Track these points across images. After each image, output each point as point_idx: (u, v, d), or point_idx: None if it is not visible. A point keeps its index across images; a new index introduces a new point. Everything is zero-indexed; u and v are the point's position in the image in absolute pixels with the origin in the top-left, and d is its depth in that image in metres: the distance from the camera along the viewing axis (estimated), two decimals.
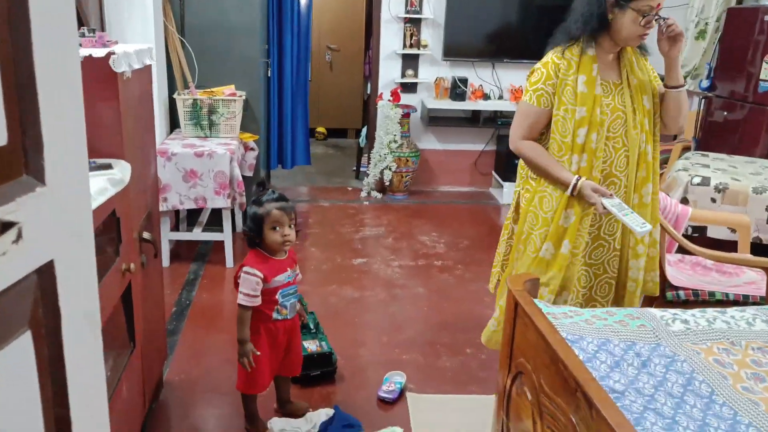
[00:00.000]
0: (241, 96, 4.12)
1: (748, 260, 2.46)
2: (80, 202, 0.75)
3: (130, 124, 2.10)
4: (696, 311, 2.00)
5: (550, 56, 2.25)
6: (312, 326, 2.89)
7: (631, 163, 2.20)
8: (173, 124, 4.29)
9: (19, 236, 0.59)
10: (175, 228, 4.18)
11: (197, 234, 4.01)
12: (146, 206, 2.34)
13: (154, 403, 2.49)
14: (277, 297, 2.25)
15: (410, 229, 4.78)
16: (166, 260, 3.78)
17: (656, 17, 2.11)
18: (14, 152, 0.63)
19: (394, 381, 2.68)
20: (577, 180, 2.15)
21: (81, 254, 0.75)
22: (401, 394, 2.65)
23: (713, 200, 3.06)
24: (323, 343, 2.80)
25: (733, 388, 1.58)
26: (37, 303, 0.67)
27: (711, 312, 2.00)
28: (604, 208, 2.11)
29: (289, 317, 2.31)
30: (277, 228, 2.21)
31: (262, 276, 2.19)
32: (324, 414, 2.45)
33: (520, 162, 2.38)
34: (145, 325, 2.24)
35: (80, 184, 0.75)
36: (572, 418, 1.46)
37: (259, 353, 2.23)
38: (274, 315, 2.26)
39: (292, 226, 2.25)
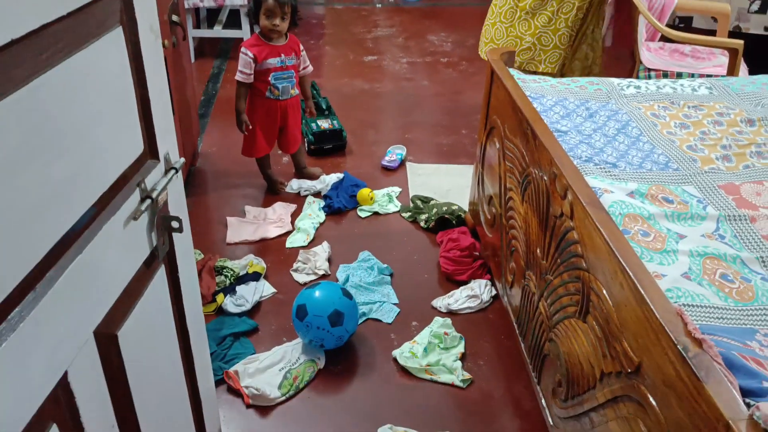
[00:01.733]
0: None
1: (712, 41, 2.71)
2: None
3: None
4: (652, 81, 2.31)
5: None
6: (324, 107, 3.27)
7: None
8: None
9: None
10: (197, 27, 4.43)
11: (218, 31, 4.27)
12: None
13: (192, 167, 2.95)
14: (269, 78, 2.58)
15: (420, 29, 4.96)
16: (191, 56, 4.08)
17: None
18: None
19: (395, 153, 3.10)
20: None
21: None
22: (402, 163, 3.08)
23: None
24: (335, 122, 3.19)
25: (660, 132, 1.94)
26: (123, 9, 1.02)
27: (665, 81, 2.31)
28: None
29: (281, 98, 2.64)
30: (270, 17, 2.48)
31: (252, 56, 2.52)
32: (335, 177, 2.91)
33: None
34: (179, 103, 2.62)
35: None
36: (523, 151, 1.86)
37: (251, 126, 2.62)
38: (267, 94, 2.61)
39: (285, 18, 2.52)
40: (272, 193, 2.83)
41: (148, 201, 1.09)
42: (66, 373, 0.92)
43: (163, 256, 1.20)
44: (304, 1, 5.56)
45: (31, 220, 0.82)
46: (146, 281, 1.15)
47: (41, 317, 0.84)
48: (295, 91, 2.69)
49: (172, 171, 1.18)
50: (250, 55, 2.51)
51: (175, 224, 1.19)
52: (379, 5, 5.46)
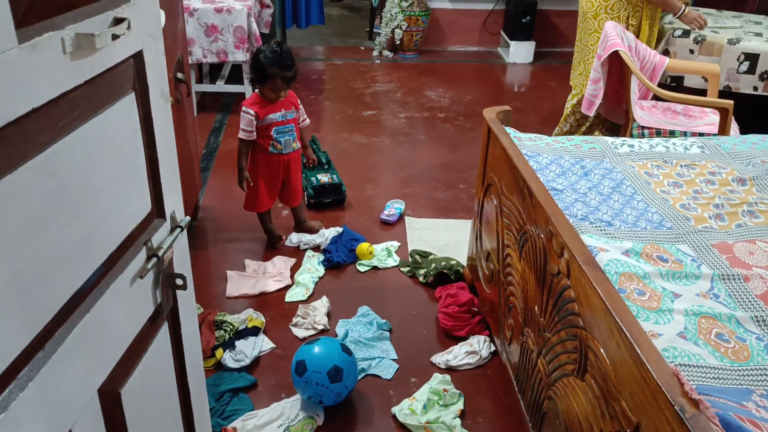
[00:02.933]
0: None
1: (703, 101, 2.78)
2: (155, 15, 1.12)
3: None
4: (645, 140, 2.37)
5: None
6: (324, 161, 3.33)
7: None
8: None
9: (129, 26, 0.97)
10: (200, 81, 4.53)
11: (220, 86, 4.37)
12: (178, 51, 2.70)
13: (193, 221, 2.98)
14: (272, 133, 2.64)
15: (418, 85, 5.08)
16: (194, 110, 4.17)
17: None
18: None
19: (394, 207, 3.15)
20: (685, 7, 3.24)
21: (157, 50, 1.13)
22: (400, 217, 3.12)
23: (691, 51, 3.32)
24: (334, 176, 3.24)
25: (653, 191, 1.98)
26: (135, 76, 1.07)
27: (657, 140, 2.37)
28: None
29: (284, 152, 2.70)
30: (275, 90, 2.58)
31: (254, 114, 2.58)
32: (334, 231, 2.94)
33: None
34: (181, 158, 2.66)
35: (153, 4, 1.12)
36: (519, 209, 1.89)
37: (252, 183, 2.68)
38: (270, 149, 2.67)
39: (289, 86, 2.61)
40: (272, 247, 2.85)
41: (154, 259, 1.12)
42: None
43: (167, 313, 1.22)
44: (304, 57, 5.71)
45: (45, 280, 0.85)
46: (150, 338, 1.17)
47: (49, 376, 0.85)
48: (297, 145, 2.75)
49: (178, 229, 1.21)
50: (252, 113, 2.58)
51: (179, 281, 1.22)
52: (378, 61, 5.60)
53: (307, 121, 2.83)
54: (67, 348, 0.89)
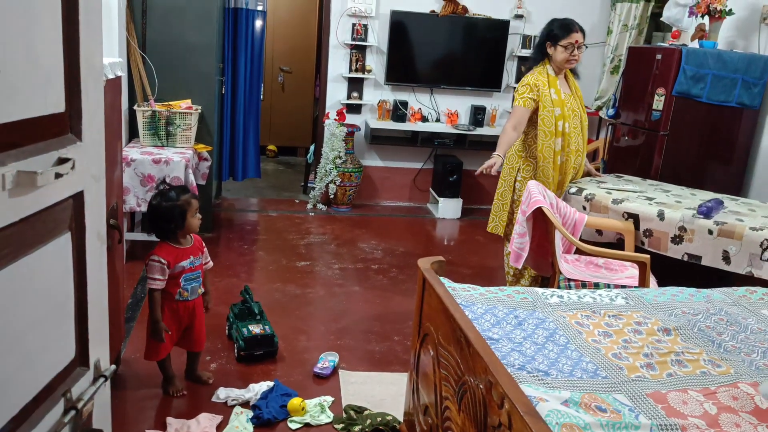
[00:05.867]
0: (197, 110, 4.48)
1: (621, 255, 2.95)
2: (98, 158, 1.13)
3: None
4: (573, 291, 2.46)
5: (529, 77, 3.57)
6: (257, 311, 3.25)
7: (583, 139, 3.68)
8: (132, 133, 4.60)
9: (73, 166, 0.97)
10: (131, 230, 4.47)
11: (152, 236, 4.30)
12: (113, 199, 2.67)
13: (113, 374, 2.79)
14: (180, 281, 2.61)
15: (352, 237, 5.17)
16: (123, 258, 4.07)
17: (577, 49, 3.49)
18: (66, 117, 1.00)
19: (328, 360, 3.06)
20: (496, 157, 3.51)
21: (98, 191, 1.12)
22: (334, 371, 3.03)
23: (584, 207, 3.55)
24: (266, 327, 3.15)
25: (585, 340, 2.02)
26: (73, 216, 1.05)
27: (584, 291, 2.46)
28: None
29: (189, 299, 2.66)
30: (192, 224, 2.60)
31: (165, 262, 2.56)
32: (265, 385, 2.81)
33: (515, 149, 3.69)
34: (109, 305, 2.56)
35: (98, 146, 1.13)
36: (457, 359, 1.88)
37: (170, 332, 2.61)
38: (177, 296, 2.63)
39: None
40: (167, 394, 2.71)
41: (72, 412, 1.03)
42: None
43: None
44: (239, 208, 5.78)
45: None
46: None
47: None
48: (202, 290, 2.73)
49: (101, 379, 1.13)
50: (164, 261, 2.55)
51: None
52: (312, 214, 5.72)
53: (211, 263, 2.83)
54: None
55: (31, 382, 0.95)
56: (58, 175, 0.92)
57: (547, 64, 3.59)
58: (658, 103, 4.27)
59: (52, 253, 0.99)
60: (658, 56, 4.34)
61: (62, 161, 0.96)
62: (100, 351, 1.16)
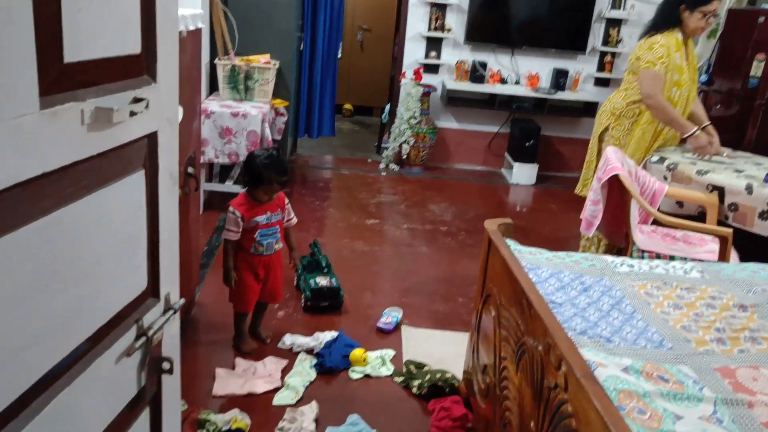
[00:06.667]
0: (275, 65, 4.55)
1: (702, 227, 2.82)
2: (172, 100, 1.17)
3: (183, 77, 2.52)
4: (645, 261, 2.38)
5: (662, 39, 3.38)
6: (324, 265, 3.32)
7: (686, 110, 3.53)
8: (212, 87, 4.73)
9: (147, 106, 1.01)
10: (209, 180, 4.63)
11: (229, 186, 4.47)
12: (191, 148, 2.77)
13: (187, 315, 2.94)
14: (255, 236, 2.65)
15: (422, 199, 5.17)
16: (200, 207, 4.23)
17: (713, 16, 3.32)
18: (142, 58, 1.04)
19: (391, 315, 3.10)
20: (697, 130, 3.40)
21: (171, 133, 1.17)
22: (397, 326, 3.07)
23: (665, 177, 3.39)
24: (333, 280, 3.22)
25: (653, 311, 1.96)
26: (147, 155, 1.09)
27: (657, 262, 2.38)
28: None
29: (265, 254, 2.69)
30: (269, 193, 2.63)
31: (240, 215, 2.60)
32: (329, 335, 2.88)
33: (610, 107, 3.59)
34: (182, 249, 2.67)
35: (173, 88, 1.17)
36: (518, 320, 1.87)
37: (237, 279, 2.66)
38: (252, 251, 2.67)
39: (279, 191, 2.68)
40: (238, 350, 2.77)
41: (143, 338, 1.09)
42: None
43: (149, 398, 1.18)
44: (312, 165, 5.87)
45: (22, 351, 0.82)
46: (129, 423, 1.12)
47: None
48: (279, 245, 2.74)
49: (171, 311, 1.19)
50: (238, 214, 2.59)
51: (166, 365, 1.18)
52: (384, 174, 5.74)
53: (294, 219, 2.81)
54: (42, 420, 0.85)
55: (106, 307, 1.02)
56: (132, 113, 0.96)
57: (677, 29, 3.40)
58: (757, 69, 4.01)
59: (126, 189, 1.04)
60: (761, 19, 4.05)
61: (137, 101, 1.00)
62: (170, 285, 1.22)
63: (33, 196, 0.80)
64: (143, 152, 1.08)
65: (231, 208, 2.61)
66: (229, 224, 2.61)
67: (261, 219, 2.65)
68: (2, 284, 0.76)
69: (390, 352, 2.83)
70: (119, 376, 1.07)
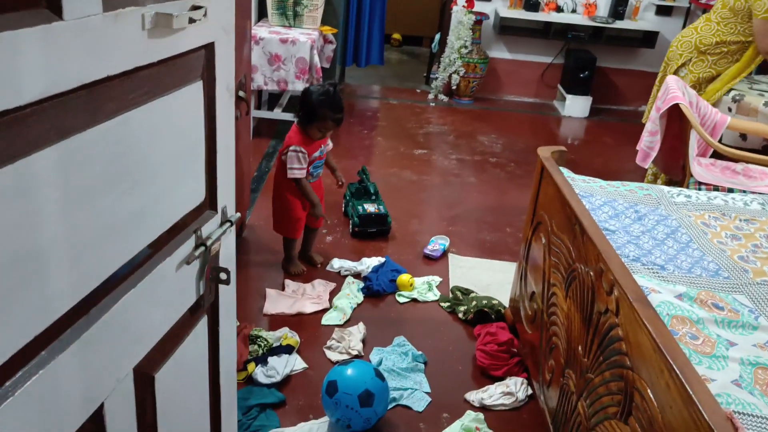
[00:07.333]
0: None
1: (765, 160, 2.70)
2: (228, 11, 1.16)
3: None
4: (702, 192, 2.31)
5: None
6: (372, 191, 3.34)
7: None
8: (261, 13, 4.68)
9: (206, 14, 1.00)
10: (258, 108, 4.65)
11: (277, 114, 4.48)
12: (241, 73, 2.77)
13: (237, 238, 3.02)
14: (310, 168, 2.65)
15: (472, 130, 5.10)
16: (250, 134, 4.27)
17: None
18: None
19: (438, 243, 3.12)
20: None
21: (228, 44, 1.16)
22: (444, 254, 3.09)
23: (729, 110, 3.24)
24: (381, 206, 3.24)
25: (710, 240, 1.92)
26: (205, 66, 1.09)
27: (716, 194, 2.31)
28: None
29: (313, 180, 2.72)
30: (323, 131, 2.59)
31: (305, 152, 2.59)
32: (377, 260, 2.92)
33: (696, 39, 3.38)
34: (236, 172, 2.71)
35: (231, 2, 1.16)
36: (569, 246, 1.85)
37: (287, 207, 2.69)
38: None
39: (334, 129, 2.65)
40: (288, 273, 2.83)
41: (202, 248, 1.12)
42: (102, 406, 0.92)
43: (207, 306, 1.22)
44: (361, 94, 5.82)
45: (97, 246, 0.85)
46: (189, 328, 1.17)
47: (89, 343, 0.85)
48: (321, 170, 2.78)
49: (228, 224, 1.22)
50: (304, 151, 2.58)
51: (223, 276, 1.22)
52: (433, 104, 5.66)
53: (331, 145, 2.79)
54: (107, 321, 0.89)
55: (167, 214, 1.04)
56: (191, 20, 0.96)
57: None
58: None
59: (185, 99, 1.04)
60: None
61: (195, 8, 0.99)
62: (227, 198, 1.24)
63: (98, 98, 0.81)
64: (201, 63, 1.08)
65: (295, 147, 2.58)
66: (294, 162, 2.59)
67: (316, 153, 2.66)
68: (73, 183, 0.78)
69: (436, 279, 2.86)
70: (180, 283, 1.11)
